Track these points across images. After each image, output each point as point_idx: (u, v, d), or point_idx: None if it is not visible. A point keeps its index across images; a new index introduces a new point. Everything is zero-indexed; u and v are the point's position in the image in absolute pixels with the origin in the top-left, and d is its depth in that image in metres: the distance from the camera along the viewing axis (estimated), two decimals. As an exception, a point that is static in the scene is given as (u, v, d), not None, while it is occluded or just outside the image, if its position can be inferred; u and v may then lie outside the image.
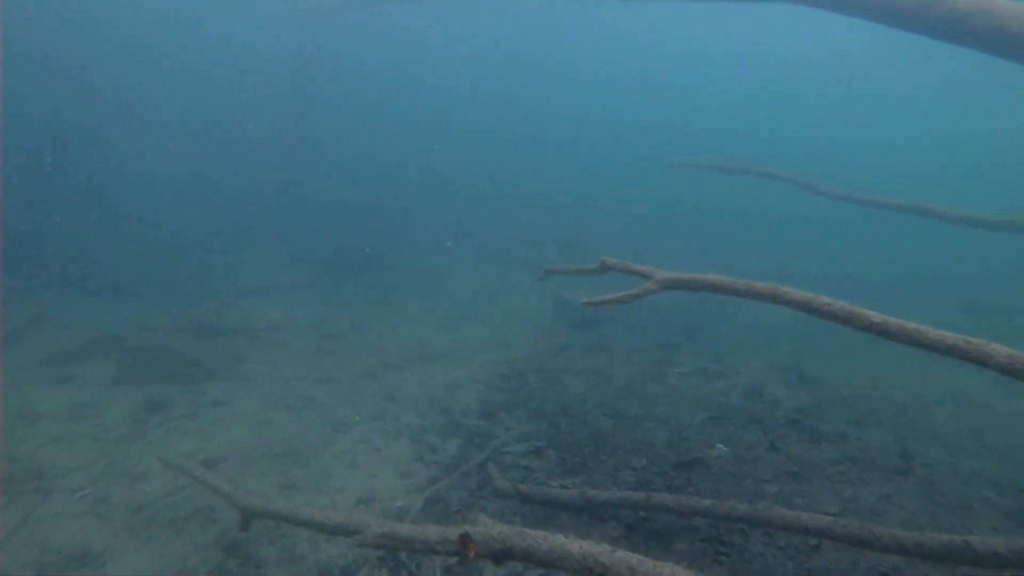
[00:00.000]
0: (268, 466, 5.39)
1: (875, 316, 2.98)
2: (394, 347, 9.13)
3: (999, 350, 2.56)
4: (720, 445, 5.74)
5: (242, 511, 3.94)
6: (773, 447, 5.59)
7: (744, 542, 4.02)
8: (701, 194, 26.22)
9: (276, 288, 11.91)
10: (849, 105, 42.79)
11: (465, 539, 2.20)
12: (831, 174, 10.98)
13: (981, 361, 2.60)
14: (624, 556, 2.02)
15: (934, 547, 3.05)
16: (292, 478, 5.20)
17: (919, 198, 8.75)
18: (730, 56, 40.80)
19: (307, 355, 8.58)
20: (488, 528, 2.29)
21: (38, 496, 4.82)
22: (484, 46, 39.80)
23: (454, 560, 3.87)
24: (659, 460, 5.42)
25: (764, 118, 43.16)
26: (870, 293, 10.95)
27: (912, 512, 4.50)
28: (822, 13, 6.87)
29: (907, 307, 6.25)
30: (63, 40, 17.19)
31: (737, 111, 43.11)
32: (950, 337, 2.72)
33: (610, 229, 20.14)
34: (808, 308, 3.29)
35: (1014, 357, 2.51)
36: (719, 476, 5.08)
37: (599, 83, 46.26)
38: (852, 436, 5.80)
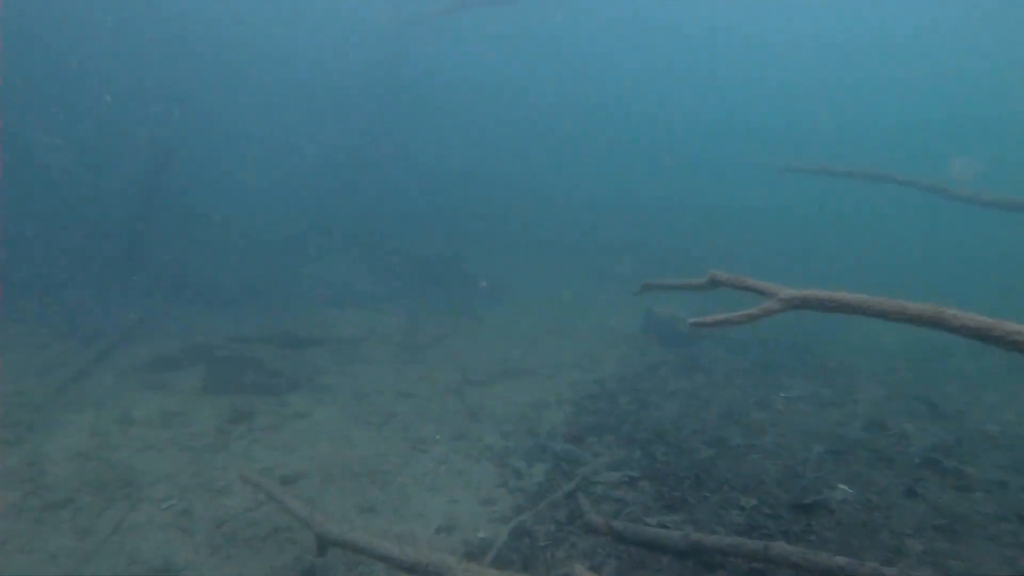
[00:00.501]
0: (347, 485, 5.24)
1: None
2: (477, 362, 8.92)
3: None
4: (843, 486, 5.05)
5: (318, 537, 3.76)
6: (911, 493, 4.84)
7: (890, 612, 3.39)
8: (795, 195, 24.68)
9: (359, 298, 12.06)
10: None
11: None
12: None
13: None
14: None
15: None
16: (371, 500, 5.02)
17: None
18: (845, 43, 38.24)
19: (389, 368, 8.51)
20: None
21: (128, 504, 4.88)
22: (570, 45, 39.39)
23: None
24: (771, 500, 4.82)
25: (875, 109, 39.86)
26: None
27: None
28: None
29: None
30: (161, 57, 18.42)
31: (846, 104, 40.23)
32: None
33: (705, 237, 19.20)
34: (986, 337, 2.70)
35: None
36: (846, 524, 4.43)
37: (688, 81, 44.69)
38: (1015, 486, 4.94)
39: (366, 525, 4.58)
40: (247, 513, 4.75)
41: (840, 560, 3.44)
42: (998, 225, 14.55)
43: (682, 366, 8.73)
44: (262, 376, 7.31)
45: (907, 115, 37.97)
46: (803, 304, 3.46)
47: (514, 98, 38.18)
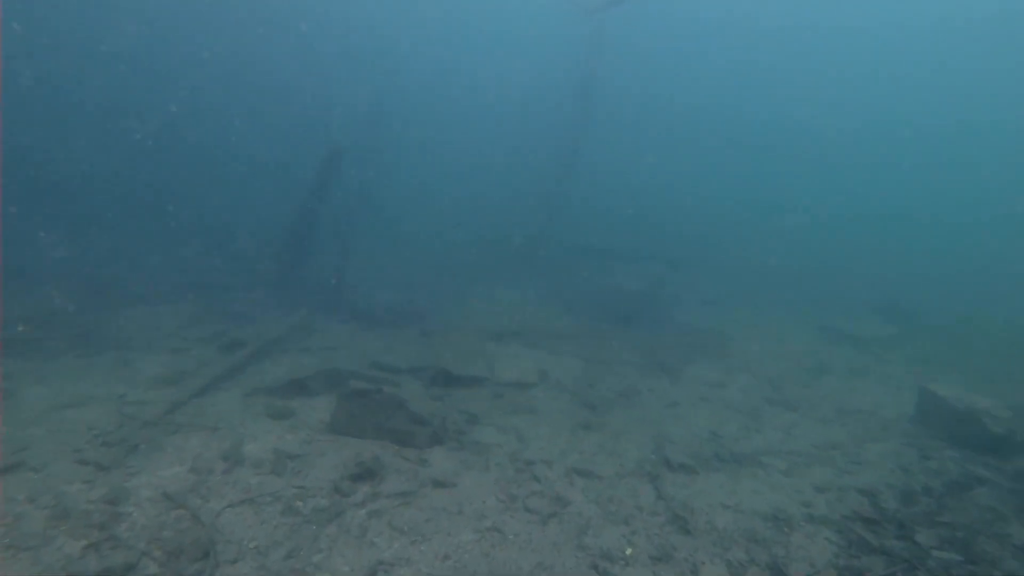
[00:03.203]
0: (492, 624, 3.51)
1: None
2: (677, 433, 6.84)
3: None
4: None
5: None
6: None
7: None
8: None
9: (530, 332, 10.56)
10: None
11: None
12: None
13: None
14: None
15: None
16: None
17: None
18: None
19: (560, 427, 6.76)
20: None
21: (197, 588, 3.62)
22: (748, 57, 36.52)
23: None
24: None
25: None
26: None
27: None
28: None
29: None
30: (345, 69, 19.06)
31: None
32: None
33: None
34: None
35: None
36: None
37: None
38: None
39: None
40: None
41: None
42: None
43: (1015, 492, 5.85)
44: (402, 420, 5.95)
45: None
46: None
47: (713, 116, 35.99)
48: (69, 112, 13.08)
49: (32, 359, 7.16)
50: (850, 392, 8.92)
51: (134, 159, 14.03)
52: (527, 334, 10.49)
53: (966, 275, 21.29)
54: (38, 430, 5.47)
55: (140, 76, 14.13)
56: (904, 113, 39.43)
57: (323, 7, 18.00)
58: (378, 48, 20.08)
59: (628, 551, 4.42)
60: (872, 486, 5.77)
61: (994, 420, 6.71)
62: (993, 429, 6.65)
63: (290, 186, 11.62)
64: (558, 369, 8.89)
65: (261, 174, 15.62)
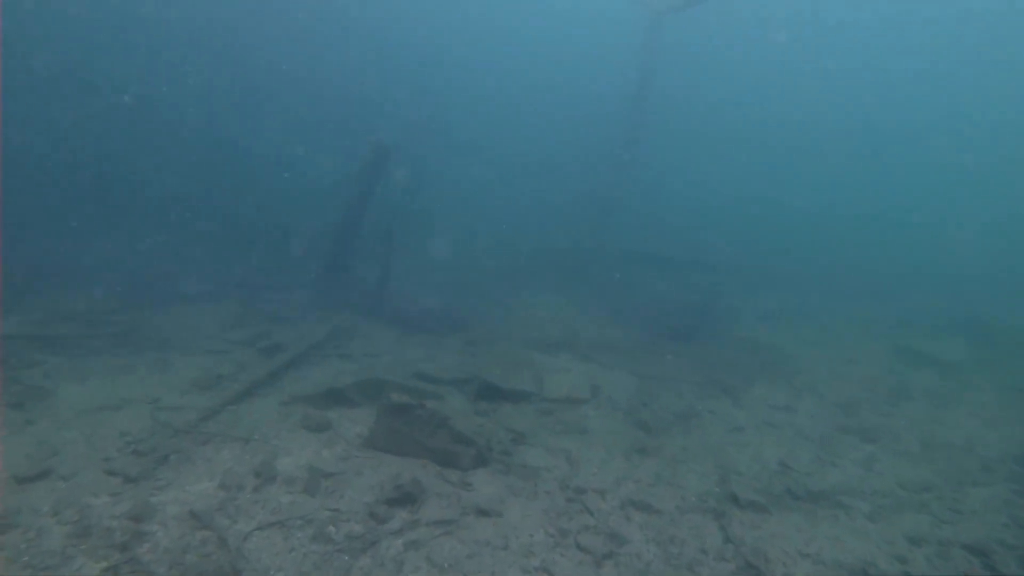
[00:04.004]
0: None
1: None
2: (743, 463, 6.30)
3: None
4: None
5: None
6: None
7: None
8: None
9: (579, 343, 10.10)
10: None
11: None
12: None
13: None
14: None
15: None
16: None
17: None
18: None
19: (613, 451, 6.30)
20: None
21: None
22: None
23: None
24: None
25: None
26: None
27: None
28: None
29: None
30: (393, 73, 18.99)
31: None
32: None
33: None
34: None
35: None
36: None
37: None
38: None
39: None
40: None
41: None
42: None
43: None
44: (444, 439, 5.60)
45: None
46: None
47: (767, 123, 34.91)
48: (121, 114, 13.31)
49: (74, 357, 7.11)
50: (936, 423, 8.15)
51: (181, 159, 14.22)
52: (576, 345, 10.04)
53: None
54: (72, 433, 5.34)
55: (185, 80, 14.32)
56: (971, 111, 37.48)
57: (372, 9, 17.97)
58: (428, 49, 19.97)
59: (694, 604, 3.95)
60: (982, 543, 5.10)
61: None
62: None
63: (336, 187, 11.47)
64: (610, 385, 8.41)
65: (307, 174, 15.65)
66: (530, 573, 4.11)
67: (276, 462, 5.17)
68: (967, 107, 38.15)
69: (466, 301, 11.93)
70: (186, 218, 12.99)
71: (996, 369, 10.86)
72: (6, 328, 7.59)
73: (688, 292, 14.75)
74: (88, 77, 12.90)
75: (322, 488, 4.87)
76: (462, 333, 9.97)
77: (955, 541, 5.08)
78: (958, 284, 21.60)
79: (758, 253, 22.02)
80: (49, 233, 11.77)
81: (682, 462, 6.20)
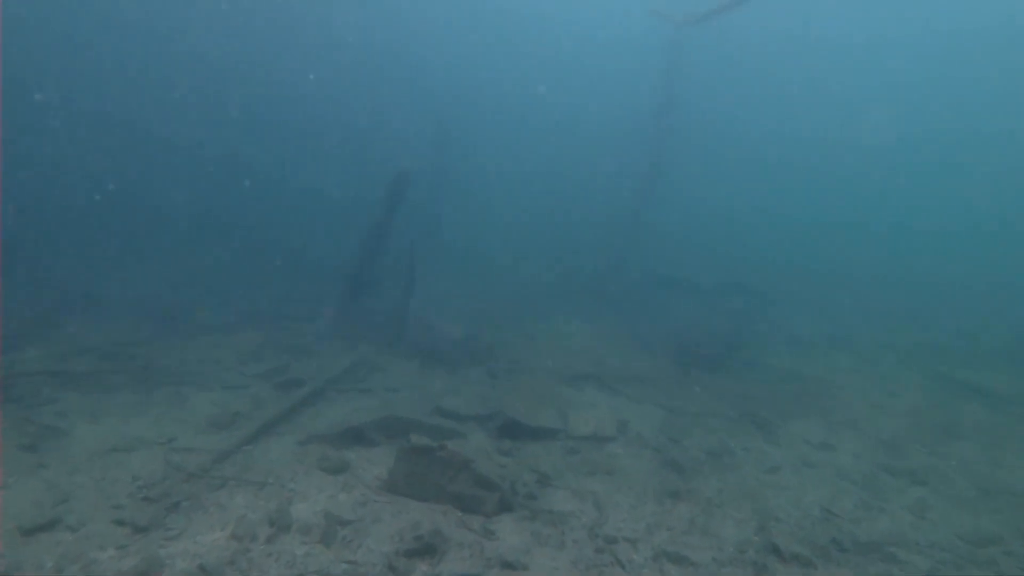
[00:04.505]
0: None
1: None
2: (783, 508, 5.95)
3: None
4: None
5: None
6: None
7: None
8: None
9: (605, 374, 9.82)
10: None
11: None
12: None
13: None
14: None
15: None
16: None
17: None
18: None
19: (644, 494, 6.00)
20: None
21: None
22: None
23: None
24: None
25: None
26: None
27: None
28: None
29: None
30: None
31: None
32: None
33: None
34: None
35: None
36: None
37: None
38: None
39: None
40: None
41: None
42: None
43: None
44: (466, 483, 5.36)
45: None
46: None
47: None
48: (145, 144, 13.52)
49: (89, 393, 7.03)
50: (993, 465, 7.69)
51: (203, 189, 14.37)
52: (603, 376, 9.76)
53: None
54: (83, 478, 5.21)
55: (205, 107, 14.53)
56: (1006, 120, 36.64)
57: (391, 31, 18.17)
58: (448, 70, 20.12)
59: (738, 676, 3.64)
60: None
61: None
62: None
63: (357, 213, 11.42)
64: (638, 420, 8.11)
65: (328, 202, 15.72)
66: (559, 638, 3.84)
67: (291, 508, 4.98)
68: (1004, 116, 37.31)
69: (489, 328, 11.73)
70: (207, 246, 13.05)
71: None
72: (27, 363, 7.57)
73: (717, 317, 14.40)
74: (111, 110, 13.12)
75: (339, 538, 4.66)
76: (485, 363, 9.75)
77: (1024, 604, 4.69)
78: (998, 301, 20.89)
79: (788, 273, 21.56)
80: (71, 263, 11.88)
81: (717, 507, 5.88)
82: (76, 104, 12.78)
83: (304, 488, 5.35)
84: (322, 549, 4.52)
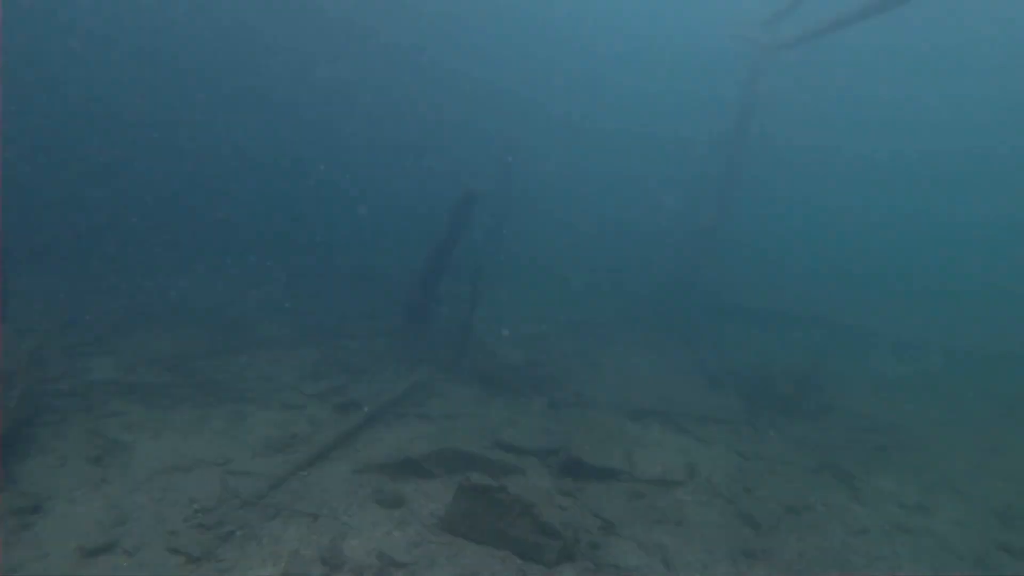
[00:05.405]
0: None
1: None
2: (873, 581, 5.44)
3: None
4: None
5: None
6: None
7: None
8: None
9: (672, 411, 9.41)
10: None
11: None
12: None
13: None
14: None
15: None
16: None
17: None
18: None
19: (716, 550, 5.61)
20: None
21: None
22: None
23: None
24: None
25: None
26: None
27: None
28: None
29: None
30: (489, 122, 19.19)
31: None
32: None
33: None
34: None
35: None
36: None
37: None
38: None
39: None
40: None
41: None
42: None
43: None
44: (527, 528, 5.12)
45: None
46: None
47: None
48: (207, 154, 14.01)
49: (154, 407, 7.17)
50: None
51: (271, 202, 14.77)
52: (670, 413, 9.35)
53: None
54: (142, 498, 5.25)
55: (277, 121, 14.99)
56: None
57: (466, 58, 18.42)
58: (522, 89, 20.20)
59: None
60: None
61: None
62: None
63: (425, 233, 11.44)
64: (708, 463, 7.68)
65: (397, 220, 15.91)
66: None
67: (344, 544, 4.86)
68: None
69: (551, 356, 11.48)
70: (270, 259, 13.35)
71: None
72: (102, 372, 7.82)
73: (793, 351, 13.72)
74: (191, 119, 13.66)
75: (398, 581, 4.50)
76: (546, 393, 9.51)
77: None
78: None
79: (872, 305, 20.40)
80: (146, 271, 12.34)
81: (798, 574, 5.43)
82: (154, 115, 13.38)
83: (358, 523, 5.23)
84: (374, 593, 4.36)
